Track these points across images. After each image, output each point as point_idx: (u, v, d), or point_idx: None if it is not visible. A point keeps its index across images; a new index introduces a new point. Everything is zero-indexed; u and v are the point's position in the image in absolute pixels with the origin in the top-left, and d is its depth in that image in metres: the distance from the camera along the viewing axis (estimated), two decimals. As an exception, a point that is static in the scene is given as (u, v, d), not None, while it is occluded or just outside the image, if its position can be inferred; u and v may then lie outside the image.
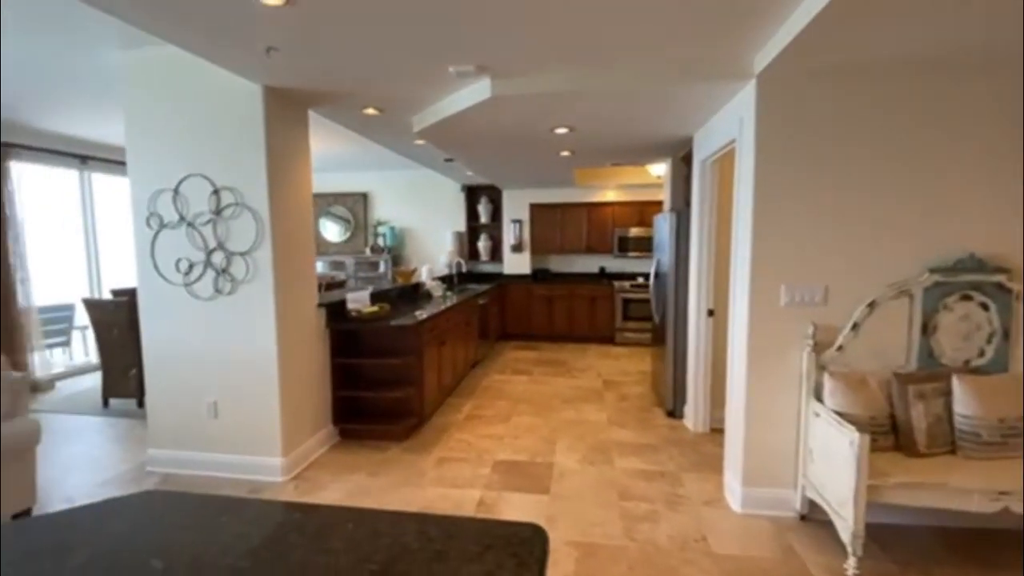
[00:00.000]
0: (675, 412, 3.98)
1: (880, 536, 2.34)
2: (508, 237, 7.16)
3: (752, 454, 2.60)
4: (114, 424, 3.97)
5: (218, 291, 2.99)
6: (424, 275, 5.20)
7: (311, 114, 3.40)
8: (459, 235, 7.36)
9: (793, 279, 2.49)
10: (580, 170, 6.25)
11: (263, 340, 2.95)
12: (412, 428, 3.66)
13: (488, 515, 2.61)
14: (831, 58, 2.16)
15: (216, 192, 2.92)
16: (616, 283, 6.67)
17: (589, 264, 7.32)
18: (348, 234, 7.81)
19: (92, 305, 4.30)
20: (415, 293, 5.14)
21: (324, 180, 7.75)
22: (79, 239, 5.54)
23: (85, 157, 5.43)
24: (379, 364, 3.55)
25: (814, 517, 2.48)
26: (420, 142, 4.17)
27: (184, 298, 3.02)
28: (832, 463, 2.13)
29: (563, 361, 5.86)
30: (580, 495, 2.82)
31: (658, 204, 6.77)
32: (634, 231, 6.84)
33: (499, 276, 7.29)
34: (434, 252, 7.56)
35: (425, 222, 7.63)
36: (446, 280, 6.31)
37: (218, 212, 2.93)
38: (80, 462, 3.28)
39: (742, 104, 2.65)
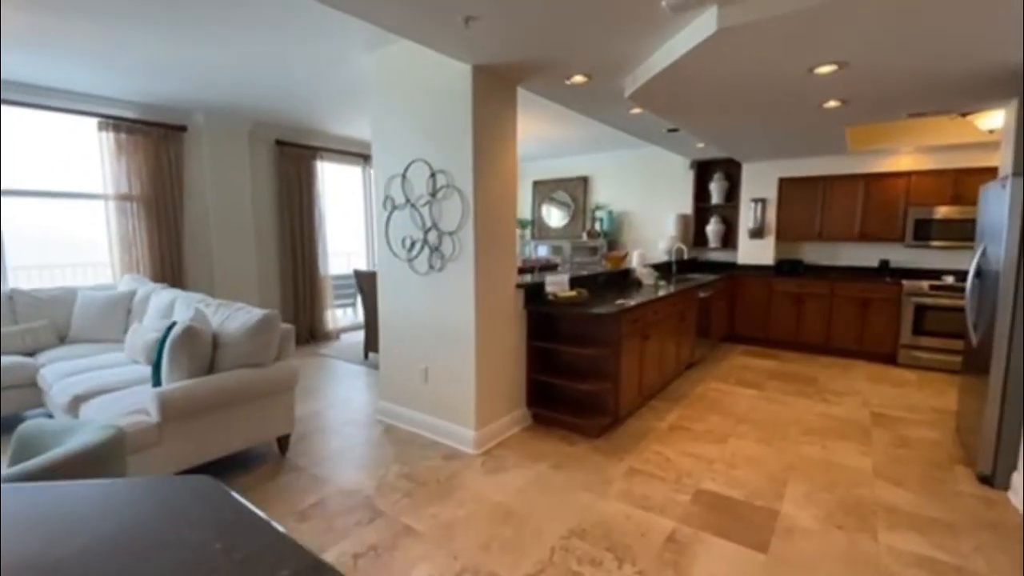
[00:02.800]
0: (994, 478, 2.62)
1: None
2: (746, 220, 6.03)
3: None
4: (369, 373, 4.77)
5: (431, 267, 3.18)
6: (634, 260, 4.73)
7: (531, 98, 3.32)
8: (683, 218, 6.55)
9: None
10: (854, 129, 4.77)
11: (464, 315, 3.03)
12: (605, 427, 3.32)
13: (679, 558, 2.10)
14: None
15: (433, 175, 3.09)
16: (907, 282, 4.91)
17: (863, 255, 5.60)
18: (568, 219, 7.83)
19: (359, 275, 5.26)
20: (624, 280, 4.72)
21: (547, 167, 7.92)
22: (360, 222, 6.92)
23: (366, 156, 6.69)
24: (573, 352, 3.30)
25: None
26: (636, 111, 3.71)
27: (407, 273, 3.33)
28: None
29: (812, 378, 4.61)
30: (814, 567, 2.03)
31: (987, 172, 4.69)
32: (942, 211, 4.90)
33: (731, 266, 6.23)
34: (653, 237, 6.94)
35: (646, 204, 7.06)
36: (663, 268, 5.68)
37: (434, 194, 3.10)
38: (337, 401, 4.01)
39: None
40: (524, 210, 8.31)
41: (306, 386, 4.34)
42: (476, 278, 2.96)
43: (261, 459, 2.98)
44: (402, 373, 3.44)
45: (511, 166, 3.22)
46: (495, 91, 3.03)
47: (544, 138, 6.17)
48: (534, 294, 3.42)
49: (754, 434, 3.33)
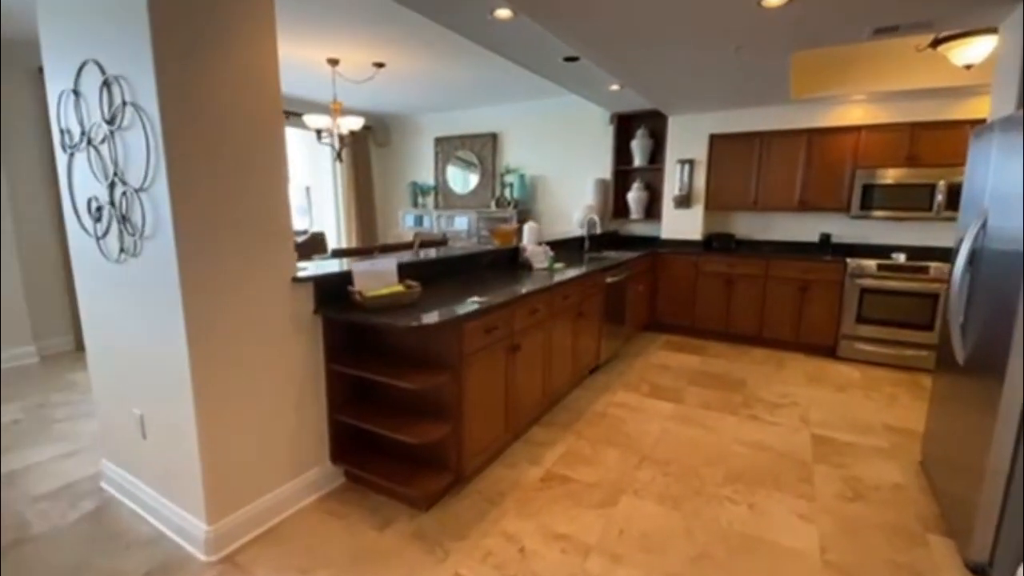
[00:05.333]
0: (992, 567, 1.73)
1: None
2: (671, 185, 5.03)
3: None
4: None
5: (123, 249, 1.88)
6: (526, 237, 3.59)
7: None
8: (603, 184, 5.48)
9: None
10: (800, 71, 3.81)
11: (169, 330, 1.77)
12: (442, 490, 2.20)
13: None
14: None
15: (106, 84, 1.75)
16: (851, 261, 4.09)
17: (802, 228, 4.76)
18: (476, 184, 6.59)
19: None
20: (510, 264, 3.59)
21: (450, 120, 6.60)
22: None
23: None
24: (391, 383, 2.13)
25: None
26: (503, 13, 2.49)
27: (97, 258, 2.01)
28: None
29: (740, 381, 3.72)
30: None
31: (950, 127, 3.87)
32: (893, 175, 4.07)
33: (654, 241, 5.26)
34: (571, 206, 5.85)
35: (563, 168, 5.93)
36: (572, 245, 4.60)
37: (112, 120, 1.77)
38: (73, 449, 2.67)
39: None
40: (425, 173, 6.98)
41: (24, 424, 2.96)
42: (181, 267, 1.69)
43: None
44: (117, 419, 2.16)
45: (266, 72, 1.91)
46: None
47: (436, 79, 4.84)
48: (333, 292, 2.20)
49: (659, 485, 2.34)
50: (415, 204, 7.00)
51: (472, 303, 2.23)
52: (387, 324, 1.93)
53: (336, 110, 4.35)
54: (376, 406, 2.28)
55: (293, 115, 5.50)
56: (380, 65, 4.41)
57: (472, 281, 2.91)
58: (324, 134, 4.36)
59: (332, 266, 2.35)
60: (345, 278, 2.22)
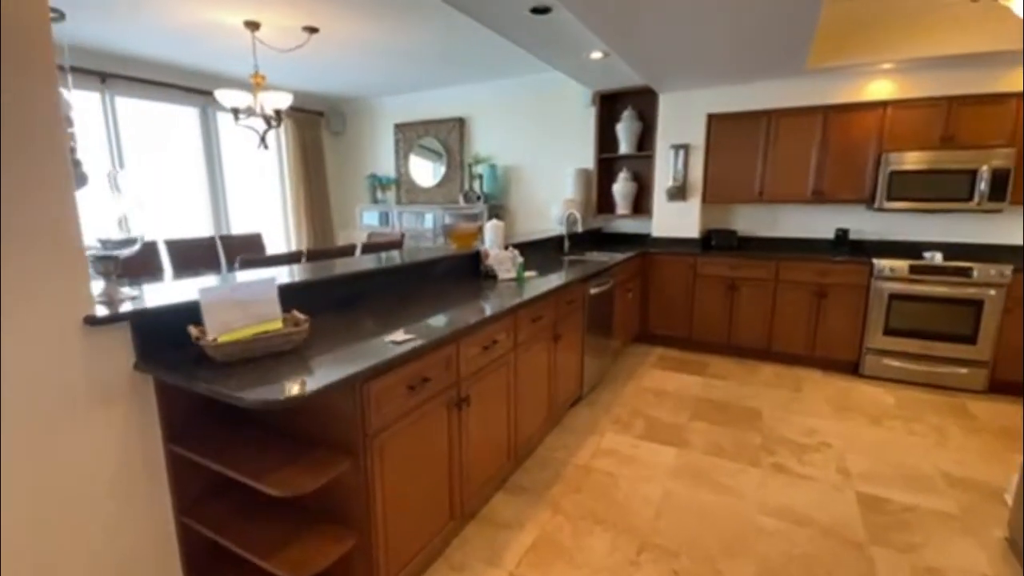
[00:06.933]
0: None
1: None
2: (663, 175, 4.33)
3: None
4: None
5: None
6: (488, 239, 2.85)
7: None
8: (585, 175, 4.77)
9: None
10: (816, 41, 3.15)
11: None
12: (349, 630, 1.47)
13: None
14: None
15: None
16: (878, 262, 3.44)
17: (816, 224, 4.11)
18: (442, 176, 5.82)
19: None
20: (472, 272, 2.85)
21: (411, 104, 5.81)
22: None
23: (104, 75, 4.25)
24: (249, 483, 1.37)
25: None
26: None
27: None
28: None
29: (754, 411, 3.05)
30: None
31: (996, 100, 3.24)
32: (927, 159, 3.42)
33: (645, 239, 4.57)
34: (549, 200, 5.13)
35: (539, 157, 5.20)
36: (550, 246, 3.88)
37: None
38: None
39: None
40: (385, 164, 6.18)
41: None
42: None
43: None
44: None
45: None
46: None
47: (385, 50, 4.06)
48: (173, 334, 1.44)
49: (668, 597, 1.64)
50: (375, 200, 6.20)
51: (390, 345, 1.49)
52: (227, 395, 1.18)
53: (258, 84, 3.55)
54: (244, 504, 1.52)
55: (204, 94, 4.66)
56: (312, 30, 3.62)
57: (412, 301, 2.16)
58: (242, 114, 3.56)
59: (182, 291, 1.57)
60: (195, 311, 1.46)
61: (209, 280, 1.84)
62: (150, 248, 3.85)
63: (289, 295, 1.65)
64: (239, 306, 1.46)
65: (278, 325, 1.46)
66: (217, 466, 1.33)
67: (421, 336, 1.57)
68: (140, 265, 3.79)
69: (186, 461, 1.45)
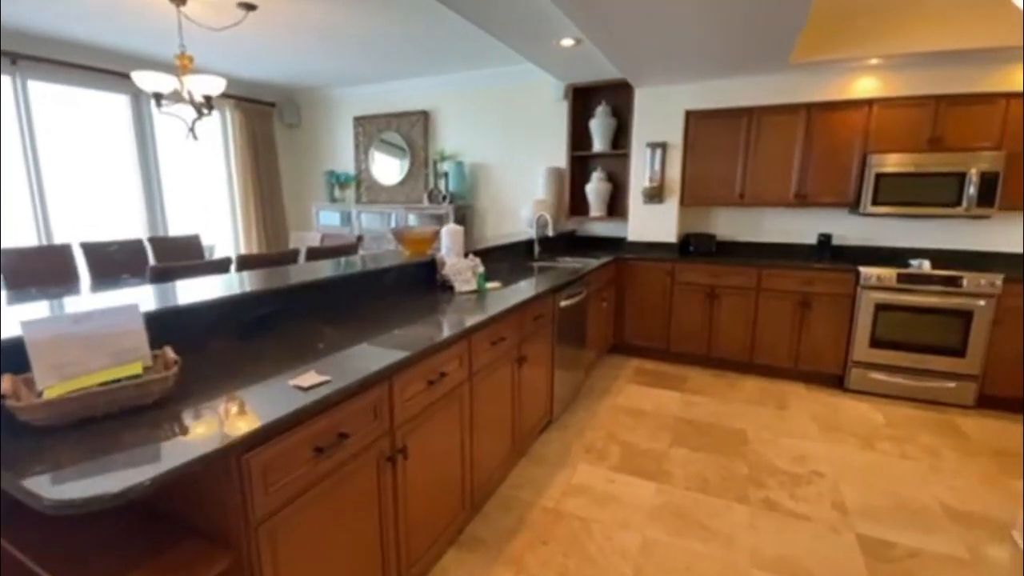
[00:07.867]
0: None
1: None
2: (639, 175, 4.07)
3: None
4: None
5: None
6: (444, 245, 2.51)
7: None
8: (557, 174, 4.47)
9: None
10: (806, 33, 2.92)
11: None
12: None
13: None
14: None
15: None
16: (865, 270, 3.24)
17: (798, 228, 3.91)
18: (405, 173, 5.43)
19: None
20: (427, 283, 2.50)
21: (372, 96, 5.41)
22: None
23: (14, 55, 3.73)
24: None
25: None
26: None
27: None
28: None
29: (738, 433, 2.80)
30: None
31: (985, 100, 3.08)
32: (916, 161, 3.24)
33: (619, 244, 4.30)
34: (518, 201, 4.82)
35: (507, 154, 4.88)
36: (518, 251, 3.55)
37: None
38: None
39: None
40: (344, 160, 5.75)
41: None
42: None
43: None
44: None
45: None
46: None
47: (335, 32, 3.65)
48: (-15, 382, 1.06)
49: None
50: (332, 198, 5.77)
51: (293, 392, 1.14)
52: (15, 492, 0.81)
53: (184, 67, 3.11)
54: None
55: (119, 75, 4.14)
56: (249, 7, 3.20)
57: (345, 322, 1.80)
58: (167, 100, 3.11)
59: (9, 320, 1.18)
60: (20, 349, 1.07)
61: (40, 307, 1.43)
62: (61, 252, 3.37)
63: (176, 321, 1.27)
64: (84, 343, 1.08)
65: (137, 369, 1.08)
66: (34, 566, 0.96)
67: (339, 377, 1.23)
68: (48, 273, 3.31)
69: (10, 559, 1.06)
